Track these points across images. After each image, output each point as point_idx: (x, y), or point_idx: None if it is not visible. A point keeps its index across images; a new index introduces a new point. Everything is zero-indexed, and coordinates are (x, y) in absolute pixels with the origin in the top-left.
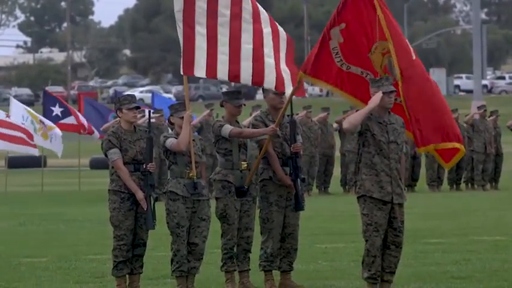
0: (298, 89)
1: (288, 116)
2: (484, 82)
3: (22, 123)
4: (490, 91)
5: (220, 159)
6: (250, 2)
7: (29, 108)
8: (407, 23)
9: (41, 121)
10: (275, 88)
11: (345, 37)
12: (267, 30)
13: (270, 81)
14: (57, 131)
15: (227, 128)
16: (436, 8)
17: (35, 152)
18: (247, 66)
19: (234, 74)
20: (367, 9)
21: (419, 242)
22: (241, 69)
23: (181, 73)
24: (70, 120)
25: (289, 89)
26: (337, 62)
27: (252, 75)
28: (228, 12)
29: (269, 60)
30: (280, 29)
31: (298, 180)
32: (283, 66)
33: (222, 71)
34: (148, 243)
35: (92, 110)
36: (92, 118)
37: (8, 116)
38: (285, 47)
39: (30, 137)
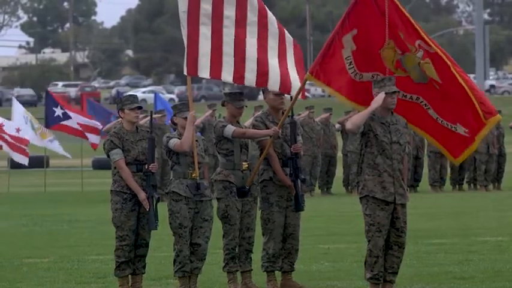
0: (301, 90)
1: (288, 116)
2: (492, 82)
3: (16, 130)
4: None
5: (221, 159)
6: (256, 3)
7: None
8: None
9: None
10: (279, 90)
11: (358, 43)
12: (272, 32)
13: (274, 83)
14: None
15: (230, 129)
16: (438, 9)
17: (25, 162)
18: (252, 67)
19: (239, 76)
20: (379, 7)
21: (421, 243)
22: (245, 71)
23: (185, 73)
24: (71, 122)
25: (294, 91)
26: (351, 73)
27: (257, 76)
28: (233, 14)
29: (273, 62)
30: (286, 32)
31: (299, 180)
32: (291, 68)
33: (227, 72)
34: (150, 243)
35: (95, 110)
36: (97, 116)
37: (2, 124)
38: (292, 50)
39: (24, 142)
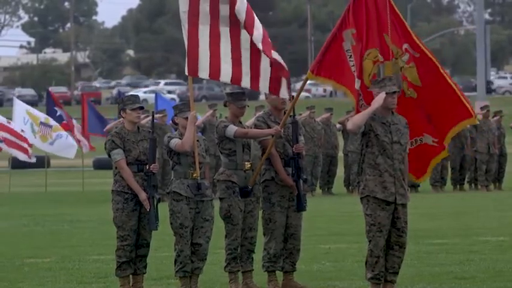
0: (301, 90)
1: (290, 116)
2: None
3: (22, 131)
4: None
5: (224, 159)
6: (245, 6)
7: (30, 110)
8: (411, 23)
9: (41, 123)
10: (269, 92)
11: (356, 42)
12: (257, 33)
13: (264, 86)
14: (64, 133)
15: (232, 129)
16: (439, 9)
17: (30, 160)
18: (246, 70)
19: (236, 77)
20: (369, 13)
21: (422, 243)
22: (242, 72)
23: (186, 74)
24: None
25: (283, 92)
26: (351, 65)
27: (251, 79)
28: (227, 14)
29: (265, 65)
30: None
31: (300, 180)
32: (276, 68)
33: (225, 73)
34: (151, 243)
35: (92, 114)
36: (93, 120)
37: (9, 122)
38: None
39: (29, 144)
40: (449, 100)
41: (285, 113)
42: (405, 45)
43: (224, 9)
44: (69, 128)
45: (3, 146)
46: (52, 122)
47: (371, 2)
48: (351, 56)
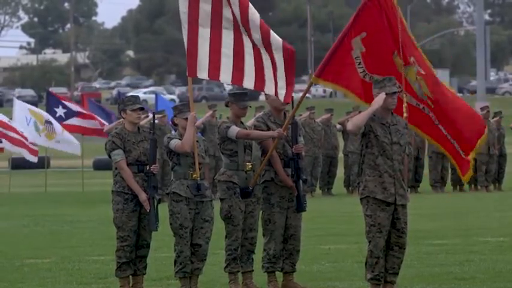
0: (305, 93)
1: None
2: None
3: (22, 132)
4: None
5: (225, 160)
6: (238, 8)
7: (33, 108)
8: (411, 24)
9: (46, 121)
10: (275, 95)
11: (367, 46)
12: (256, 36)
13: (270, 88)
14: (66, 134)
15: (234, 130)
16: (439, 9)
17: (34, 159)
18: (250, 71)
19: (237, 78)
20: (383, 16)
21: (422, 243)
22: (244, 73)
23: (187, 75)
24: (73, 121)
25: (281, 96)
26: (360, 72)
27: (255, 81)
28: (230, 16)
29: (267, 64)
30: (276, 38)
31: (300, 181)
32: (279, 73)
33: (225, 73)
34: (151, 244)
35: (96, 110)
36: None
37: (9, 120)
38: (282, 57)
39: (31, 143)
40: (467, 112)
41: (285, 113)
42: (412, 58)
43: (227, 12)
44: (68, 129)
45: (7, 144)
46: (55, 124)
47: (383, 7)
48: (360, 62)
